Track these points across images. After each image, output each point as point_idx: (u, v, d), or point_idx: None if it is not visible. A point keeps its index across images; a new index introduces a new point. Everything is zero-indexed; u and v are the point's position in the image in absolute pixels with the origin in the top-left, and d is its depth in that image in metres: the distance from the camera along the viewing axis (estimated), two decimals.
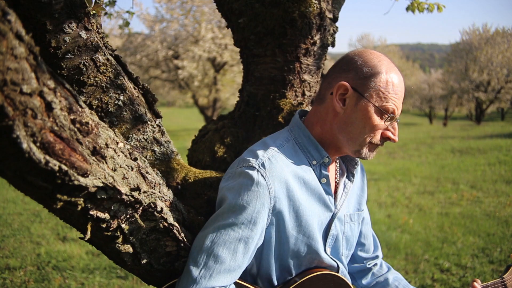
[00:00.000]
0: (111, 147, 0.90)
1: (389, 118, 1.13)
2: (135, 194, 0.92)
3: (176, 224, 1.09)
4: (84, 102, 1.35)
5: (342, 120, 1.16)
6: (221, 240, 1.07)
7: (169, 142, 1.46)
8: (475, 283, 1.38)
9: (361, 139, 1.15)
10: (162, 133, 1.46)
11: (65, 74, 1.34)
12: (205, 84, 19.65)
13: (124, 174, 0.93)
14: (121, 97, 1.38)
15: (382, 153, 14.43)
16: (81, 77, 1.34)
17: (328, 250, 1.27)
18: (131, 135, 1.38)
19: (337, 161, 1.34)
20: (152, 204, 0.99)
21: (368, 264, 1.50)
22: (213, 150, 1.55)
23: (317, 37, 1.58)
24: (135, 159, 0.99)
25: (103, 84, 1.36)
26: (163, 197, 1.10)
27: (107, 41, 1.45)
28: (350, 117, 1.15)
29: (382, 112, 1.12)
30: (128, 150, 0.98)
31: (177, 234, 1.09)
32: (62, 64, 1.33)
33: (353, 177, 1.34)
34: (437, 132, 20.68)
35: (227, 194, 1.12)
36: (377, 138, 1.15)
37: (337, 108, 1.16)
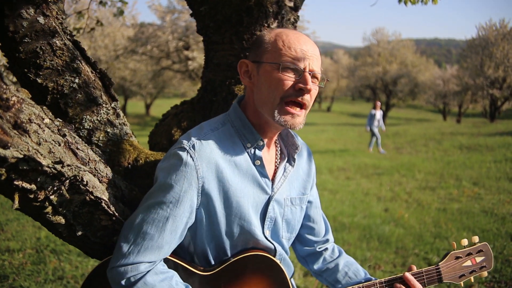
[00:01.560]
0: (35, 122, 0.95)
1: (291, 69, 1.17)
2: (58, 167, 0.97)
3: (105, 198, 1.14)
4: (41, 84, 1.41)
5: (255, 92, 1.22)
6: (150, 218, 1.12)
7: (124, 124, 1.51)
8: (406, 273, 1.39)
9: (272, 100, 1.18)
10: (117, 116, 1.51)
11: (22, 57, 1.40)
12: None
13: (50, 149, 0.98)
14: (77, 80, 1.44)
15: (390, 148, 14.37)
16: (38, 61, 1.40)
17: (268, 232, 1.31)
18: (84, 116, 1.43)
19: (278, 145, 1.37)
20: (78, 178, 1.04)
21: (319, 248, 1.53)
22: (170, 134, 1.60)
23: (274, 25, 1.61)
24: (64, 135, 1.04)
25: (59, 68, 1.41)
26: (99, 173, 1.15)
27: (66, 26, 1.50)
28: (259, 85, 1.20)
29: (281, 66, 1.16)
30: (57, 126, 1.03)
31: (106, 208, 1.14)
32: (20, 48, 1.39)
33: (294, 161, 1.37)
34: (448, 129, 20.48)
35: (159, 173, 1.17)
36: (287, 91, 1.17)
37: (247, 84, 1.24)
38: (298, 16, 1.70)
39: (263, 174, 1.26)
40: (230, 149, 1.21)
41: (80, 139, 1.15)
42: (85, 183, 1.07)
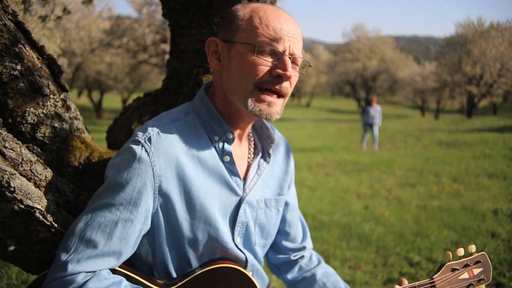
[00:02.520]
0: None
1: (268, 52, 1.00)
2: None
3: (39, 206, 0.95)
4: None
5: (225, 77, 1.05)
6: (96, 223, 0.94)
7: (75, 118, 1.32)
8: (396, 286, 1.24)
9: (244, 86, 1.01)
10: (67, 108, 1.32)
11: None
12: None
13: None
14: (18, 67, 1.23)
15: (370, 144, 14.36)
16: None
17: (238, 239, 1.13)
18: (28, 109, 1.23)
19: (252, 138, 1.20)
20: (3, 183, 0.85)
21: (294, 256, 1.35)
22: (130, 129, 1.42)
23: None
24: None
25: None
26: (36, 176, 0.96)
27: (8, 5, 1.30)
28: (229, 69, 1.03)
29: (255, 47, 0.99)
30: None
31: (41, 218, 0.95)
32: None
33: (269, 157, 1.20)
34: (427, 125, 20.65)
35: (109, 171, 0.99)
36: (264, 78, 1.00)
37: (215, 67, 1.07)
38: (275, 0, 1.53)
39: (233, 172, 1.09)
40: (193, 142, 1.04)
41: (11, 136, 0.96)
42: (12, 189, 0.88)
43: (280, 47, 1.00)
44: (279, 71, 1.00)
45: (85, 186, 1.19)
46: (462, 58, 31.87)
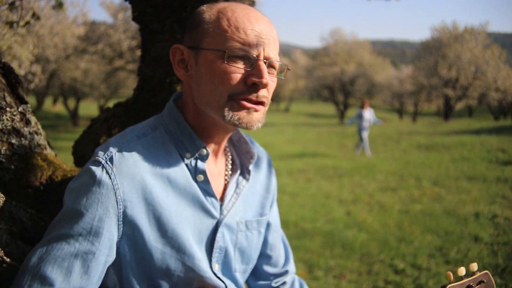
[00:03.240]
0: None
1: (239, 57, 0.88)
2: None
3: None
4: None
5: (195, 89, 0.94)
6: (51, 256, 0.81)
7: (35, 133, 1.19)
8: None
9: (217, 97, 0.89)
10: (27, 122, 1.19)
11: None
12: None
13: None
14: None
15: (349, 148, 14.40)
16: None
17: (217, 266, 1.01)
18: None
19: (228, 153, 1.08)
20: None
21: (276, 283, 1.22)
22: (98, 144, 1.29)
23: None
24: None
25: None
26: None
27: None
28: (197, 78, 0.92)
29: (226, 53, 0.87)
30: None
31: None
32: None
33: (249, 174, 1.08)
34: (405, 128, 20.84)
35: (66, 196, 0.88)
36: (237, 87, 0.89)
37: (183, 77, 0.95)
38: (254, 2, 1.43)
39: (208, 192, 0.97)
40: (162, 161, 0.92)
41: None
42: None
43: (253, 51, 0.89)
44: (254, 79, 0.88)
45: (47, 209, 1.07)
46: (438, 62, 32.43)
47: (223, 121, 0.90)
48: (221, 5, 0.93)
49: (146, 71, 1.35)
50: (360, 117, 12.64)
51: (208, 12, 0.92)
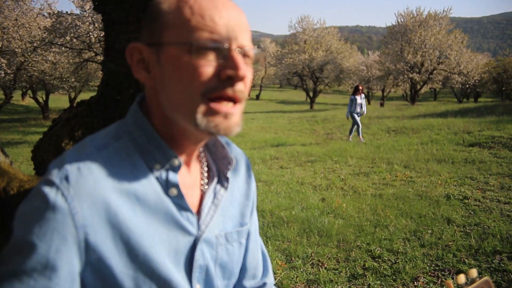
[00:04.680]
0: None
1: (209, 49, 0.75)
2: None
3: None
4: None
5: (160, 92, 0.80)
6: None
7: None
8: None
9: (188, 100, 0.76)
10: None
11: None
12: None
13: None
14: None
15: (320, 133, 14.48)
16: None
17: (198, 287, 0.89)
18: None
19: (203, 159, 0.96)
20: None
21: None
22: (60, 147, 1.18)
23: None
24: None
25: None
26: None
27: None
28: (162, 80, 0.78)
29: (194, 46, 0.74)
30: None
31: None
32: None
33: (227, 182, 0.95)
34: (374, 112, 21.09)
35: (16, 224, 0.73)
36: (211, 85, 0.75)
37: (144, 80, 0.81)
38: None
39: (183, 207, 0.84)
40: (128, 175, 0.79)
41: None
42: None
43: (224, 42, 0.75)
44: (229, 71, 0.75)
45: (2, 226, 0.96)
46: (403, 47, 33.01)
47: (197, 129, 0.78)
48: None
49: (110, 66, 1.23)
50: (352, 102, 12.32)
51: (167, 1, 0.78)
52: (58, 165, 0.75)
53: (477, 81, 37.60)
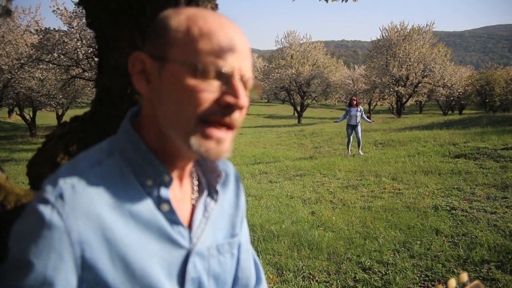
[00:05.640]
0: None
1: (213, 74, 0.76)
2: None
3: None
4: None
5: (157, 106, 0.81)
6: None
7: None
8: None
9: (183, 121, 0.77)
10: None
11: None
12: None
13: None
14: None
15: (309, 147, 14.54)
16: None
17: None
18: None
19: (194, 173, 0.97)
20: None
21: None
22: (55, 163, 1.19)
23: None
24: None
25: None
26: None
27: None
28: (160, 95, 0.79)
29: (198, 68, 0.75)
30: None
31: None
32: None
33: (217, 194, 0.97)
34: (361, 125, 21.24)
35: (12, 242, 0.75)
36: (209, 110, 0.77)
37: (143, 91, 0.81)
38: (216, 5, 1.37)
39: (174, 221, 0.86)
40: (121, 192, 0.80)
41: None
42: None
43: (227, 67, 0.77)
44: (230, 99, 0.77)
45: (2, 241, 0.97)
46: (388, 61, 33.46)
47: (189, 150, 0.79)
48: (191, 11, 0.81)
49: (104, 82, 1.26)
50: (347, 113, 12.16)
51: (175, 18, 0.80)
52: (52, 183, 0.76)
53: (461, 93, 38.22)
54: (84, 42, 17.22)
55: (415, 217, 5.47)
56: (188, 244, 0.88)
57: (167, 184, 0.84)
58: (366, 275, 3.80)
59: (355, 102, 12.06)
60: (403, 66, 32.52)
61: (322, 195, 7.11)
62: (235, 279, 1.07)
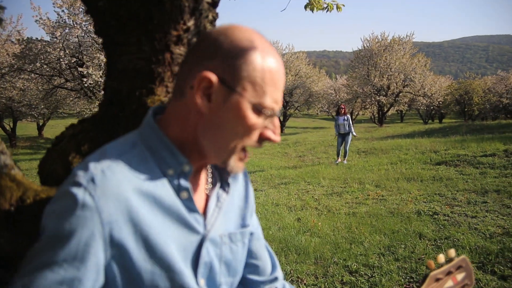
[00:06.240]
0: None
1: (268, 115, 0.88)
2: None
3: None
4: None
5: (208, 122, 0.88)
6: (35, 286, 0.76)
7: (1, 153, 1.15)
8: None
9: (232, 145, 0.89)
10: None
11: None
12: None
13: None
14: None
15: (292, 156, 14.67)
16: None
17: (202, 281, 0.99)
18: None
19: (209, 167, 1.06)
20: None
21: None
22: (67, 161, 1.26)
23: (190, 23, 1.34)
24: None
25: None
26: None
27: None
28: (219, 118, 0.87)
29: (260, 108, 0.86)
30: None
31: None
32: None
33: (229, 187, 1.07)
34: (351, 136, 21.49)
35: (46, 221, 0.81)
36: (253, 140, 0.89)
37: (201, 107, 0.87)
38: (217, 14, 1.46)
39: (192, 209, 0.94)
40: (146, 179, 0.88)
41: None
42: None
43: (277, 110, 0.89)
44: (271, 136, 0.90)
45: (20, 231, 1.03)
46: (370, 71, 33.98)
47: (220, 164, 0.92)
48: (265, 50, 0.88)
49: (112, 85, 1.33)
50: (335, 122, 12.18)
51: (255, 56, 0.86)
52: (83, 168, 0.83)
53: (441, 102, 39.00)
54: (67, 52, 17.14)
55: (399, 222, 5.60)
56: (203, 230, 0.97)
57: (187, 174, 0.93)
58: (353, 278, 3.89)
59: (342, 111, 12.08)
60: (384, 76, 33.06)
61: (307, 202, 7.21)
62: (254, 267, 1.17)
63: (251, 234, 1.16)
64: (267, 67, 0.86)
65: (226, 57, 0.87)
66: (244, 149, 0.91)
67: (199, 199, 1.00)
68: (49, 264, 0.78)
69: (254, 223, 1.18)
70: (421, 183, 8.13)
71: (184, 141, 0.93)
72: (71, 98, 21.88)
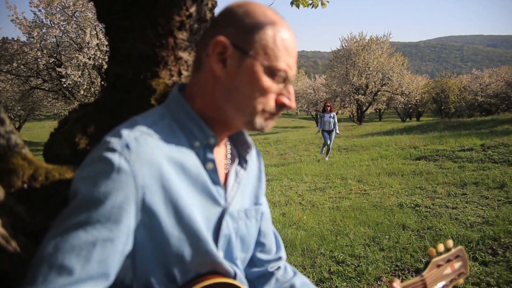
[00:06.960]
0: None
1: (282, 79, 0.93)
2: None
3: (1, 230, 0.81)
4: None
5: (225, 86, 0.93)
6: (68, 245, 0.78)
7: (11, 132, 1.17)
8: (394, 284, 1.19)
9: (252, 107, 0.93)
10: (1, 122, 1.16)
11: None
12: (91, 93, 18.52)
13: None
14: None
15: (274, 154, 14.75)
16: None
17: (221, 253, 1.02)
18: None
19: (228, 144, 1.10)
20: None
21: (271, 268, 1.24)
22: (74, 142, 1.28)
23: (193, 9, 1.39)
24: None
25: None
26: None
27: None
28: (235, 80, 0.92)
29: (273, 71, 0.91)
30: None
31: (4, 243, 0.81)
32: None
33: (246, 164, 1.11)
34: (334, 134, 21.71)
35: (79, 185, 0.83)
36: (270, 104, 0.94)
37: (216, 72, 0.93)
38: (216, 2, 1.50)
39: (215, 181, 0.98)
40: (175, 149, 0.92)
41: None
42: None
43: (291, 76, 0.95)
44: (286, 101, 0.95)
45: (34, 207, 1.05)
46: (348, 70, 34.36)
47: (246, 128, 0.97)
48: (277, 20, 0.94)
49: (116, 69, 1.36)
50: (321, 119, 12.38)
51: (265, 22, 0.92)
52: (116, 135, 0.87)
53: (418, 101, 39.69)
54: (45, 52, 16.87)
55: (382, 214, 5.72)
56: (224, 203, 1.01)
57: (212, 146, 0.98)
58: (340, 268, 3.97)
59: (329, 108, 12.25)
60: (362, 75, 33.50)
61: (291, 197, 7.28)
62: (261, 245, 1.21)
63: (262, 213, 1.19)
64: (279, 34, 0.93)
65: (240, 24, 0.93)
66: (264, 112, 0.94)
67: (220, 174, 1.02)
68: (82, 225, 0.80)
69: (264, 203, 1.22)
70: (402, 177, 8.30)
71: (208, 114, 0.97)
72: (48, 100, 21.52)
